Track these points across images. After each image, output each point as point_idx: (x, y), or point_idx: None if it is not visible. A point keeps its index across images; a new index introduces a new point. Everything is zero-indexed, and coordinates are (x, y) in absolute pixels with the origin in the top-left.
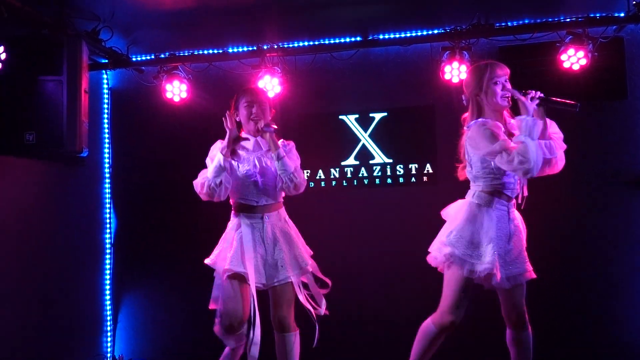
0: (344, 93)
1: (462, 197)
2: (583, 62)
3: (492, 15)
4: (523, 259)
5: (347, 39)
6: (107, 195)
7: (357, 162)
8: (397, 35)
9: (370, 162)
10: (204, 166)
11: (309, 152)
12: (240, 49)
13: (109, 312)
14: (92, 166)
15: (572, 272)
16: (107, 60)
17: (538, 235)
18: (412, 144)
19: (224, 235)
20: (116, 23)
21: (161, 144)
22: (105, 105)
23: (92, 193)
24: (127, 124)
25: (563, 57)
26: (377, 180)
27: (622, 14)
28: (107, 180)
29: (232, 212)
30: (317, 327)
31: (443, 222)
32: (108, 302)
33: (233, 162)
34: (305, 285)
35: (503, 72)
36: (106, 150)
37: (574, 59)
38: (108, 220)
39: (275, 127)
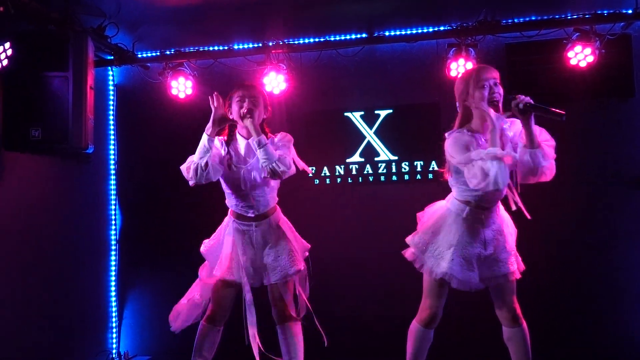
0: (349, 90)
1: None
2: (590, 59)
3: (499, 12)
4: (504, 262)
5: (353, 36)
6: (113, 192)
7: (362, 159)
8: (403, 32)
9: (376, 159)
10: None
11: (314, 149)
12: (246, 46)
13: (114, 309)
14: (97, 162)
15: (572, 272)
16: (112, 57)
17: (540, 234)
18: (418, 141)
19: (219, 229)
20: (122, 19)
21: (166, 141)
22: (111, 102)
23: (97, 189)
24: (133, 120)
25: (570, 54)
26: (382, 178)
27: (629, 11)
28: (113, 177)
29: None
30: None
31: None
32: (113, 299)
33: (223, 151)
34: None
35: (490, 76)
36: (111, 147)
37: (580, 56)
38: (113, 217)
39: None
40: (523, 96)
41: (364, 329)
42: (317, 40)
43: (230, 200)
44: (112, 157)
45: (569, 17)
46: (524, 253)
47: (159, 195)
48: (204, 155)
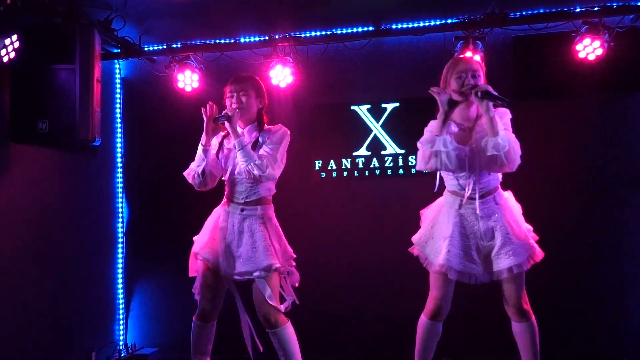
0: (356, 83)
1: None
2: (599, 52)
3: (507, 5)
4: (507, 254)
5: (360, 29)
6: (120, 185)
7: (369, 153)
8: (410, 25)
9: (382, 152)
10: None
11: (321, 143)
12: (252, 39)
13: (121, 301)
14: (104, 155)
15: (574, 271)
16: (119, 50)
17: (542, 233)
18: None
19: (210, 216)
20: (128, 12)
21: (173, 134)
22: (118, 95)
23: (104, 182)
24: (139, 113)
25: (578, 47)
26: (389, 171)
27: (639, 3)
28: (119, 170)
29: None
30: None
31: None
32: (120, 291)
33: (220, 154)
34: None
35: (466, 67)
36: (118, 140)
37: (589, 49)
38: (120, 210)
39: (230, 114)
40: (483, 85)
41: (368, 323)
42: (323, 33)
43: (227, 186)
44: (118, 149)
45: (578, 10)
46: None
47: (165, 188)
48: (200, 163)
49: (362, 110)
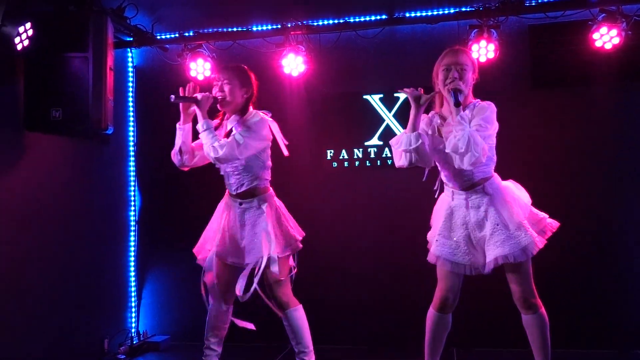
0: (369, 72)
1: None
2: (616, 41)
3: None
4: (502, 243)
5: (373, 17)
6: (132, 173)
7: (381, 143)
8: (424, 13)
9: None
10: None
11: (333, 132)
12: (265, 27)
13: (133, 289)
14: (116, 143)
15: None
16: (132, 39)
17: (559, 221)
18: None
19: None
20: (141, 1)
21: None
22: (130, 83)
23: (117, 170)
24: (152, 102)
25: (595, 35)
26: None
27: None
28: (132, 158)
29: None
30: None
31: None
32: (132, 279)
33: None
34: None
35: (452, 60)
36: (131, 128)
37: (606, 37)
38: (132, 198)
39: (199, 99)
40: (454, 83)
41: (378, 313)
42: (336, 21)
43: (224, 179)
44: (131, 138)
45: None
46: None
47: (177, 176)
48: (177, 142)
49: (375, 100)
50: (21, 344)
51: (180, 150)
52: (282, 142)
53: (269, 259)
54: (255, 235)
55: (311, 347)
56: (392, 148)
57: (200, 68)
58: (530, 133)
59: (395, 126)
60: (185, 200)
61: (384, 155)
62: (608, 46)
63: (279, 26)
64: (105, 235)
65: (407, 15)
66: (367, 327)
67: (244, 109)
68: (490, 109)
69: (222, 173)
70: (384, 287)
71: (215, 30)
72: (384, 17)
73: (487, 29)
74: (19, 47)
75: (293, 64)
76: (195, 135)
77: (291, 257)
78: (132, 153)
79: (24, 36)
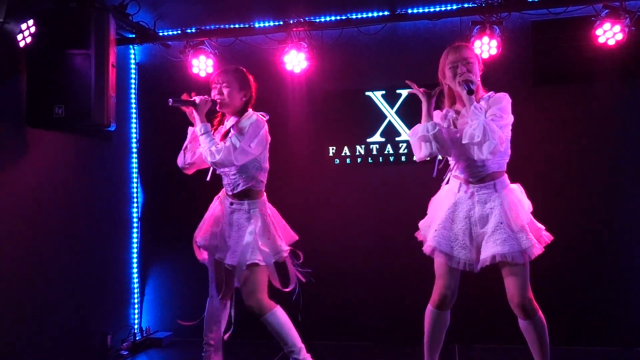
0: (371, 69)
1: None
2: (619, 37)
3: None
4: (502, 241)
5: (375, 14)
6: (134, 170)
7: (383, 139)
8: (426, 10)
9: (397, 139)
10: None
11: (335, 129)
12: (267, 24)
13: (136, 285)
14: (119, 140)
15: (586, 266)
16: (134, 35)
17: (560, 219)
18: None
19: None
20: None
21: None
22: (132, 80)
23: (119, 167)
24: (154, 98)
25: (598, 31)
26: (403, 158)
27: None
28: (134, 155)
29: None
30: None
31: None
32: (135, 275)
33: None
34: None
35: (456, 57)
36: (133, 125)
37: (609, 33)
38: (135, 195)
39: (197, 102)
40: (465, 75)
41: (379, 310)
42: (338, 18)
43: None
44: (133, 134)
45: None
46: None
47: (180, 173)
48: (186, 142)
49: (377, 96)
50: (24, 340)
51: (185, 148)
52: None
53: (250, 264)
54: (240, 238)
55: (299, 344)
56: (410, 140)
57: (202, 65)
58: (533, 129)
59: (398, 123)
60: (187, 197)
61: (386, 152)
62: (611, 42)
63: (281, 23)
64: (107, 231)
65: (409, 11)
66: (369, 324)
67: (243, 111)
68: (505, 99)
69: (218, 172)
70: (385, 282)
71: (217, 27)
72: (386, 13)
73: (489, 25)
74: (22, 44)
75: (295, 61)
76: None
77: (292, 264)
78: (134, 150)
79: (26, 33)
